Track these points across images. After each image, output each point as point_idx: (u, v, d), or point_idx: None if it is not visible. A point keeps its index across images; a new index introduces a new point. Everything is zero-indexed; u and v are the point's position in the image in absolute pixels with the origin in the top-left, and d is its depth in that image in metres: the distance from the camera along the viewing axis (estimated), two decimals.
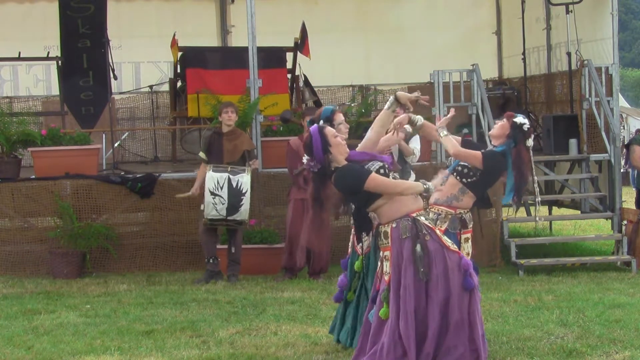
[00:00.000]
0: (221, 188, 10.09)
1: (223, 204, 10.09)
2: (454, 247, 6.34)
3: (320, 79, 14.56)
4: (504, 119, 7.05)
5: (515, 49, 14.69)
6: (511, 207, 11.29)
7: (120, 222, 11.57)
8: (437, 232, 6.31)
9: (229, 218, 10.16)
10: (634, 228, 11.02)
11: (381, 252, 6.37)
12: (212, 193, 10.09)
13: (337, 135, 6.41)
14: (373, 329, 6.31)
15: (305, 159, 6.35)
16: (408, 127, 7.20)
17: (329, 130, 6.39)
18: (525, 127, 6.97)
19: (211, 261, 10.36)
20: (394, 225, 6.25)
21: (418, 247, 6.15)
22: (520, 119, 7.02)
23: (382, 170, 6.26)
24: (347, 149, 6.37)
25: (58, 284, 10.38)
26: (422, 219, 6.29)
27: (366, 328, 6.48)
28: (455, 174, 6.97)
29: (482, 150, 7.04)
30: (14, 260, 11.10)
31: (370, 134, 6.50)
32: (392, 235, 6.24)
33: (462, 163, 6.98)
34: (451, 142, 6.98)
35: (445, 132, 7.03)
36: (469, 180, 6.95)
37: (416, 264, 6.14)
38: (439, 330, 6.16)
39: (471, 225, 7.00)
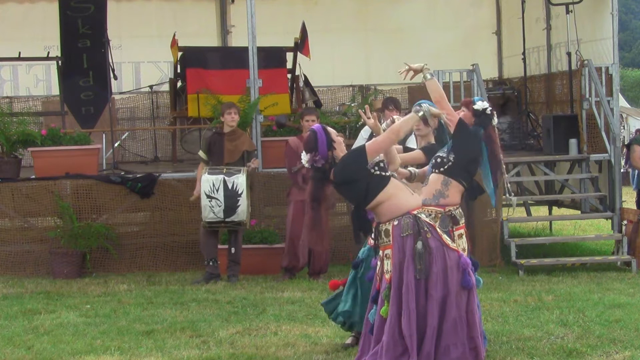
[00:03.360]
0: (217, 190, 10.08)
1: (220, 206, 10.08)
2: (453, 245, 6.34)
3: (320, 79, 14.56)
4: (463, 109, 6.82)
5: (515, 49, 14.69)
6: (510, 207, 11.39)
7: (120, 222, 11.57)
8: (438, 229, 6.31)
9: (227, 220, 10.15)
10: (634, 228, 11.02)
11: (381, 252, 6.37)
12: (208, 196, 10.09)
13: (338, 135, 6.51)
14: (376, 328, 6.31)
15: (305, 156, 6.38)
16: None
17: (330, 129, 6.50)
18: (488, 110, 6.83)
19: (211, 264, 10.35)
20: (395, 223, 6.25)
21: (419, 245, 6.16)
22: (479, 104, 6.80)
23: (381, 164, 6.30)
24: (345, 149, 6.47)
25: (58, 284, 10.38)
26: (423, 216, 6.30)
27: (367, 329, 6.48)
28: (433, 169, 6.83)
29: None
30: (14, 260, 11.10)
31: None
32: (393, 233, 6.25)
33: (436, 155, 6.83)
34: (437, 87, 6.79)
35: (429, 76, 6.77)
36: (446, 167, 6.70)
37: (415, 261, 6.15)
38: (438, 329, 6.17)
39: (463, 221, 6.86)
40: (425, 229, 6.23)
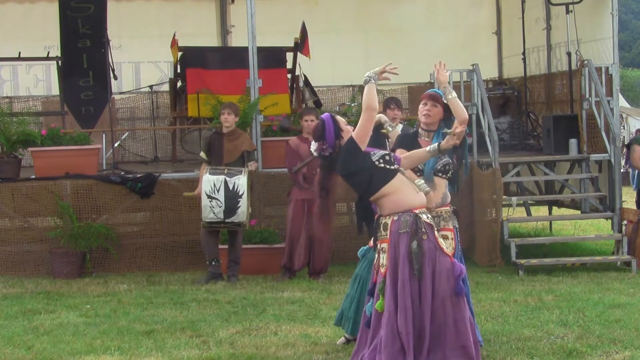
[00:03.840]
0: (217, 191, 10.08)
1: (220, 206, 10.08)
2: (447, 250, 6.31)
3: (320, 79, 14.56)
4: (435, 104, 6.87)
5: (515, 49, 14.69)
6: (510, 207, 11.40)
7: (120, 222, 11.57)
8: (436, 233, 6.29)
9: (226, 220, 10.15)
10: (634, 228, 11.02)
11: (379, 244, 6.36)
12: (208, 196, 10.08)
13: (347, 124, 6.50)
14: (372, 322, 6.30)
15: (313, 145, 6.39)
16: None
17: (339, 117, 6.50)
18: None
19: (213, 263, 10.35)
20: (395, 218, 6.23)
21: (414, 244, 6.14)
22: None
23: (387, 157, 6.27)
24: None
25: (58, 284, 10.38)
26: (424, 216, 6.28)
27: (364, 321, 6.48)
28: (440, 174, 6.90)
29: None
30: (14, 260, 11.10)
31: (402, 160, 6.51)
32: (391, 228, 6.23)
33: (441, 162, 6.88)
34: (458, 106, 6.77)
35: (453, 94, 6.80)
36: (452, 172, 6.92)
37: (411, 260, 6.13)
38: (431, 330, 6.14)
39: None
40: (423, 229, 6.21)
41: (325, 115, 6.50)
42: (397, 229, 6.21)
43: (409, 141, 7.02)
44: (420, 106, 6.97)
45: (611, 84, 11.78)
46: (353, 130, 6.42)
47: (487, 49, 15.81)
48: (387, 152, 6.36)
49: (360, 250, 7.22)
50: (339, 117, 6.50)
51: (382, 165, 6.25)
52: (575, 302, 8.77)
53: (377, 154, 6.29)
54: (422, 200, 6.34)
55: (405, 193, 6.27)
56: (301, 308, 8.72)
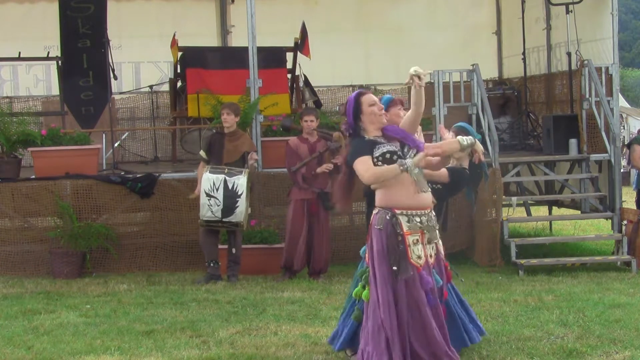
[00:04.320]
0: (217, 190, 10.07)
1: (218, 205, 10.07)
2: (417, 262, 6.15)
3: (320, 79, 14.56)
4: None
5: (515, 49, 14.69)
6: (510, 207, 11.40)
7: (120, 222, 11.56)
8: (409, 241, 6.14)
9: (224, 220, 10.14)
10: (634, 228, 11.02)
11: None
12: (207, 194, 10.08)
13: (375, 104, 6.24)
14: (365, 311, 6.30)
15: (343, 123, 6.31)
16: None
17: (366, 97, 6.26)
18: None
19: (212, 265, 10.34)
20: (375, 211, 6.21)
21: (386, 244, 6.10)
22: None
23: (387, 155, 6.13)
24: (384, 120, 6.24)
25: (58, 284, 10.38)
26: (404, 219, 6.18)
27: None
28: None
29: None
30: (14, 260, 11.10)
31: (409, 112, 6.33)
32: (371, 221, 6.22)
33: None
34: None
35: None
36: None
37: (389, 259, 6.09)
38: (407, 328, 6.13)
39: None
40: (398, 231, 6.14)
41: (352, 94, 6.30)
42: (374, 223, 6.20)
43: None
44: (397, 110, 7.10)
45: (611, 84, 11.78)
46: (381, 113, 6.20)
47: (487, 49, 15.81)
48: (392, 150, 6.16)
49: (362, 249, 7.21)
50: (365, 97, 6.23)
51: (380, 164, 6.15)
52: (575, 302, 8.77)
53: (380, 149, 6.15)
54: (416, 202, 6.19)
55: (397, 191, 6.15)
56: (301, 308, 8.72)
